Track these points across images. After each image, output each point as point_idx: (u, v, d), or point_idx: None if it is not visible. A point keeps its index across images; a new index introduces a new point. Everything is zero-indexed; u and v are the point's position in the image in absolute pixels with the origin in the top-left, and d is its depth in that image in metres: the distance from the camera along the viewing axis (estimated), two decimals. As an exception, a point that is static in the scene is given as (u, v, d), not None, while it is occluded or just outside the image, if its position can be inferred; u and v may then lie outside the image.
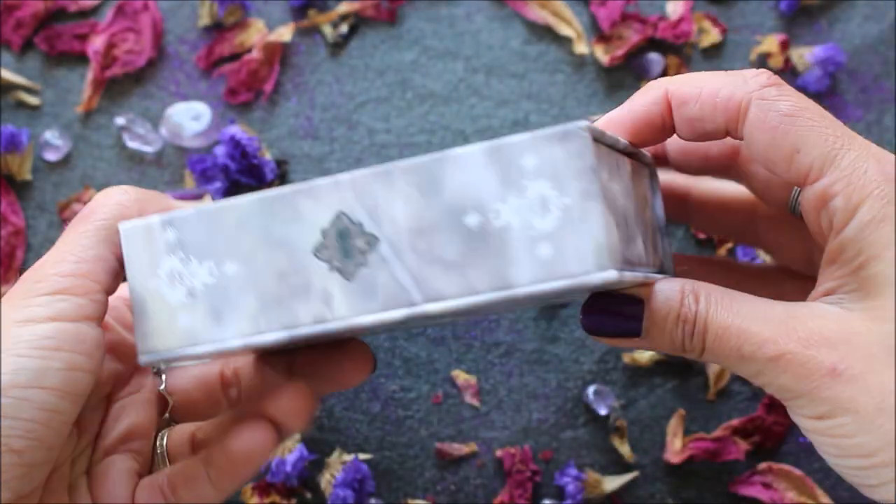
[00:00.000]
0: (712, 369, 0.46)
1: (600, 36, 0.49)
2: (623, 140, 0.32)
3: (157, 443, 0.36)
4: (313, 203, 0.31)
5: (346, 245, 0.30)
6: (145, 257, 0.33)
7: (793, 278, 0.38)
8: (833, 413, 0.29)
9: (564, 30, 0.49)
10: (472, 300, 0.29)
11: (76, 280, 0.31)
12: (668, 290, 0.31)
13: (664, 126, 0.33)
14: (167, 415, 0.36)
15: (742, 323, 0.30)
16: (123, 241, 0.33)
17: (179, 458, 0.36)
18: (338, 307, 0.30)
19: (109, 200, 0.33)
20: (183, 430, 0.36)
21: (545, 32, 0.49)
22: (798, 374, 0.29)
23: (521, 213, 0.29)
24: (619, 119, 0.33)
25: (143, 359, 0.33)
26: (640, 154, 0.34)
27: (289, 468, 0.44)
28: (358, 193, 0.30)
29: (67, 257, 0.32)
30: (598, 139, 0.30)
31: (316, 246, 0.31)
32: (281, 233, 0.31)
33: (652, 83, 0.33)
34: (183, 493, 0.33)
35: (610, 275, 0.28)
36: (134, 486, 0.34)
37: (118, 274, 0.33)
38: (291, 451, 0.45)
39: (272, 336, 0.31)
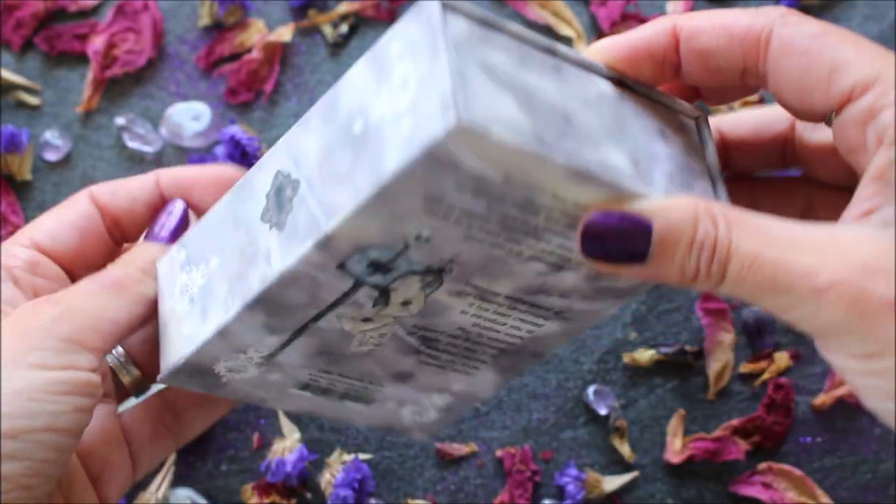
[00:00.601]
0: (712, 369, 0.46)
1: (600, 36, 0.49)
2: (587, 58, 0.30)
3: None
4: (260, 172, 0.32)
5: (281, 199, 0.31)
6: (168, 282, 0.35)
7: (822, 190, 0.34)
8: (886, 351, 0.26)
9: (564, 30, 0.49)
10: (359, 202, 0.27)
11: (94, 336, 0.32)
12: (679, 210, 0.27)
13: (665, 60, 0.30)
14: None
15: (775, 251, 0.26)
16: (159, 277, 0.35)
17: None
18: (274, 260, 0.30)
19: (151, 271, 0.35)
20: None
21: (545, 32, 0.49)
22: (851, 307, 0.26)
23: (391, 101, 0.27)
24: (613, 44, 0.31)
25: (159, 378, 0.34)
26: (654, 93, 0.31)
27: (289, 468, 0.44)
28: (289, 148, 0.31)
29: (89, 310, 0.33)
30: (463, 12, 0.27)
31: (262, 211, 0.31)
32: (242, 212, 0.32)
33: (660, 17, 0.31)
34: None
35: (449, 121, 0.24)
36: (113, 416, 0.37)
37: (130, 330, 0.34)
38: (291, 451, 0.45)
39: (234, 312, 0.31)
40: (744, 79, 0.30)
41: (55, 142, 0.48)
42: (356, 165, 0.28)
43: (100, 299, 0.33)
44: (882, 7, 0.49)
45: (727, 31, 0.29)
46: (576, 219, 0.29)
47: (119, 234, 0.38)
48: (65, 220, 0.36)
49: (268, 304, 0.31)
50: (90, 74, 0.49)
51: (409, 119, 0.26)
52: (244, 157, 0.47)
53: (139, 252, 0.36)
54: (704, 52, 0.30)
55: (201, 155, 0.48)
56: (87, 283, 0.33)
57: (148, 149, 0.48)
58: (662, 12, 0.49)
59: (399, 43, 0.27)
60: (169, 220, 0.37)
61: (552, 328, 0.34)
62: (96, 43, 0.49)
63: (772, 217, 0.28)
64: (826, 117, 0.30)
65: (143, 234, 0.37)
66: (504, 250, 0.30)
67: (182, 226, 0.36)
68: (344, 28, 0.49)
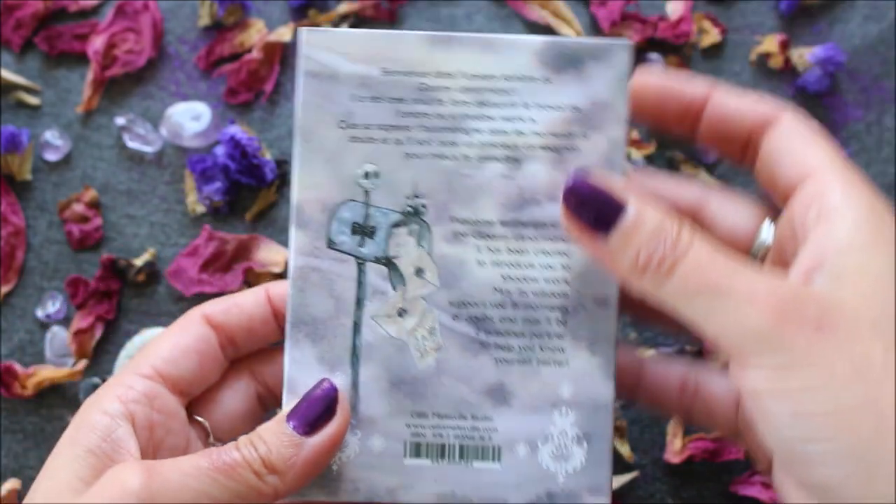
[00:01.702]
0: (712, 369, 0.46)
1: (600, 36, 0.49)
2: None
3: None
4: None
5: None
6: None
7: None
8: (800, 364, 0.27)
9: (564, 30, 0.49)
10: (295, 155, 0.33)
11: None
12: (654, 207, 0.30)
13: (690, 109, 0.34)
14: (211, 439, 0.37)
15: (728, 262, 0.29)
16: None
17: None
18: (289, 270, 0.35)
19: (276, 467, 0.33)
20: None
21: (545, 32, 0.49)
22: (778, 315, 0.27)
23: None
24: (657, 80, 0.34)
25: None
26: None
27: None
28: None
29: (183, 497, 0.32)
30: None
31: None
32: None
33: (702, 79, 0.35)
34: None
35: (300, 35, 0.33)
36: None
37: None
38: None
39: (287, 347, 0.34)
40: (743, 153, 0.34)
41: (55, 142, 0.48)
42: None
43: (200, 481, 0.31)
44: (882, 7, 0.49)
45: (752, 105, 0.33)
46: (479, 93, 0.33)
47: (233, 351, 0.37)
48: (183, 344, 0.35)
49: (303, 325, 0.33)
50: (90, 74, 0.49)
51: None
52: (244, 157, 0.47)
53: (270, 436, 0.33)
54: (725, 116, 0.33)
55: (201, 155, 0.48)
56: (198, 459, 0.32)
57: (148, 149, 0.48)
58: (662, 12, 0.49)
59: None
60: (312, 408, 0.33)
61: (582, 252, 0.33)
62: (96, 43, 0.49)
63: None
64: (754, 246, 0.34)
65: (285, 406, 0.34)
66: (450, 159, 0.33)
67: (326, 415, 0.33)
68: (344, 28, 0.49)
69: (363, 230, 0.33)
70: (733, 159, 0.35)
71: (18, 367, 0.47)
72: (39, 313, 0.48)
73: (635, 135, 0.48)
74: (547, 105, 0.33)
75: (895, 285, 0.28)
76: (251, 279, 0.47)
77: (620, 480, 0.45)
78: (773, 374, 0.27)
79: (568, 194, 0.31)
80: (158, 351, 0.35)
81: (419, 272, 0.33)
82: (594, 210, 0.30)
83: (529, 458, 0.34)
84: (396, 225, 0.33)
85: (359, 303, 0.33)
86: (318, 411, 0.33)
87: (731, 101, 0.33)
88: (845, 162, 0.31)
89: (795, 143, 0.32)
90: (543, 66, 0.33)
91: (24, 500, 0.32)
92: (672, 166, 0.48)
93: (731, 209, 0.36)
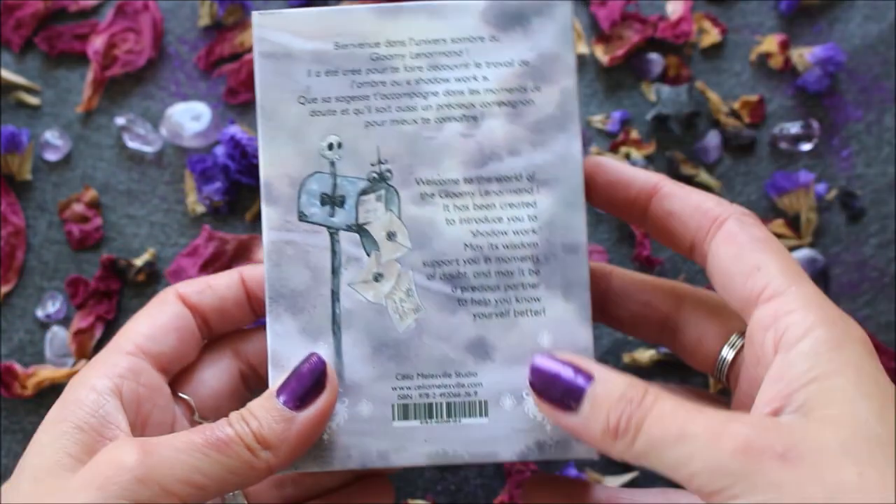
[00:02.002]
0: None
1: (600, 36, 0.49)
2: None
3: None
4: None
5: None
6: None
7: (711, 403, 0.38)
8: (772, 495, 0.27)
9: (564, 30, 0.49)
10: (260, 133, 0.35)
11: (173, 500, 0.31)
12: (616, 375, 0.31)
13: (636, 200, 0.35)
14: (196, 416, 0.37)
15: (690, 410, 0.29)
16: None
17: None
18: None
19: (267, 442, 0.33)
20: None
21: (545, 32, 0.49)
22: (744, 452, 0.27)
23: None
24: (609, 164, 0.36)
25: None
26: None
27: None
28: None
29: (177, 473, 0.31)
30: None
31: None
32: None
33: (652, 172, 0.36)
34: None
35: (254, 20, 0.35)
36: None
37: (222, 493, 0.33)
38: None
39: (269, 322, 0.35)
40: (690, 252, 0.35)
41: (55, 142, 0.48)
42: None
43: (195, 457, 0.31)
44: (882, 7, 0.49)
45: (696, 205, 0.34)
46: (431, 57, 0.34)
47: (207, 331, 0.37)
48: (161, 322, 0.36)
49: (282, 299, 0.34)
50: (90, 74, 0.49)
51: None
52: (244, 157, 0.47)
53: (261, 412, 0.33)
54: (669, 213, 0.35)
55: (201, 155, 0.48)
56: (191, 436, 0.32)
57: (148, 149, 0.48)
58: (662, 12, 0.49)
59: None
60: (301, 383, 0.34)
61: (547, 202, 0.34)
62: (96, 43, 0.49)
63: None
64: (717, 364, 0.36)
65: (272, 384, 0.34)
66: (409, 124, 0.34)
67: (315, 389, 0.33)
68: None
69: (332, 200, 0.34)
70: (681, 254, 0.35)
71: (18, 367, 0.47)
72: (39, 313, 0.48)
73: (635, 135, 0.48)
74: (497, 62, 0.34)
75: (864, 402, 0.28)
76: (251, 279, 0.47)
77: (620, 480, 0.45)
78: None
79: (533, 377, 0.32)
80: (138, 328, 0.36)
81: (391, 236, 0.34)
82: (560, 387, 0.31)
83: (516, 410, 0.34)
84: (364, 192, 0.34)
85: (335, 271, 0.34)
86: (307, 385, 0.33)
87: (675, 201, 0.34)
88: (795, 268, 0.32)
89: (744, 253, 0.32)
90: (489, 26, 0.34)
91: (9, 481, 0.32)
92: (672, 166, 0.48)
93: (699, 319, 0.36)
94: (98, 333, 0.47)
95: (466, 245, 0.34)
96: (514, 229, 0.34)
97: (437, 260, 0.34)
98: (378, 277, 0.34)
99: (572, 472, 0.45)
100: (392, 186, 0.34)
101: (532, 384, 0.32)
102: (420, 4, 0.34)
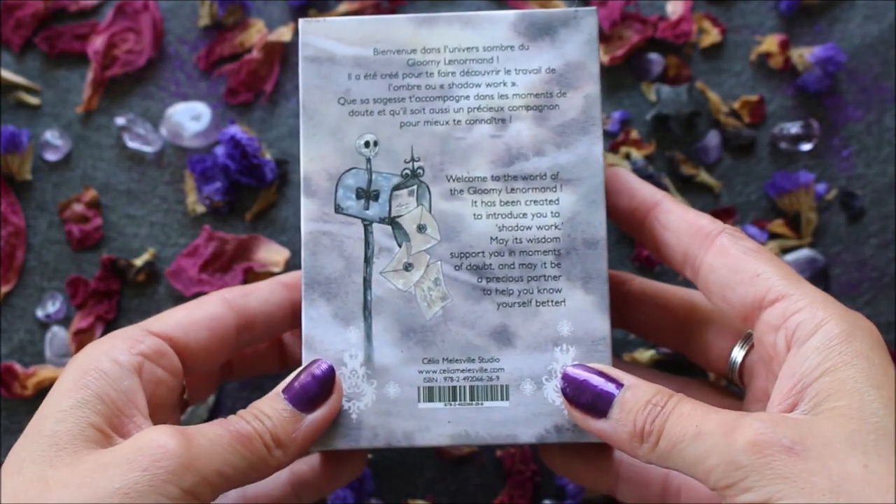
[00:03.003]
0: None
1: (600, 36, 0.49)
2: None
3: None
4: None
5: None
6: None
7: (720, 395, 0.39)
8: (781, 484, 0.28)
9: (564, 30, 0.49)
10: (301, 130, 0.37)
11: (208, 490, 0.32)
12: (646, 383, 0.33)
13: (636, 212, 0.37)
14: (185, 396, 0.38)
15: (707, 409, 0.31)
16: None
17: None
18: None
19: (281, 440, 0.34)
20: None
21: (545, 32, 0.49)
22: (754, 446, 0.29)
23: None
24: (620, 174, 0.38)
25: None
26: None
27: (289, 468, 0.44)
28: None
29: (215, 465, 0.32)
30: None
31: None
32: None
33: (654, 188, 0.37)
34: None
35: (299, 26, 0.39)
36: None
37: (242, 484, 0.33)
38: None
39: (303, 307, 0.36)
40: (682, 264, 0.36)
41: (55, 142, 0.48)
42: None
43: (226, 450, 0.32)
44: (882, 7, 0.49)
45: (690, 221, 0.36)
46: (463, 63, 0.36)
47: (248, 335, 0.38)
48: (197, 316, 0.36)
49: (317, 285, 0.36)
50: (90, 74, 0.49)
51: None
52: (244, 157, 0.47)
53: (272, 412, 0.34)
54: (665, 227, 0.36)
55: (201, 155, 0.48)
56: (217, 428, 0.32)
57: (148, 149, 0.48)
58: (662, 12, 0.49)
59: None
60: (311, 387, 0.35)
61: (570, 200, 0.36)
62: (96, 43, 0.49)
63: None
64: (729, 364, 0.38)
65: (280, 386, 0.35)
66: (441, 125, 0.36)
67: (324, 393, 0.35)
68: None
69: (367, 194, 0.36)
70: (671, 266, 0.37)
71: (18, 367, 0.47)
72: (39, 313, 0.48)
73: (635, 135, 0.48)
74: (526, 69, 0.37)
75: (874, 393, 0.29)
76: (251, 279, 0.47)
77: (620, 480, 0.45)
78: (758, 495, 0.28)
79: (565, 383, 0.34)
80: (172, 316, 0.36)
81: (421, 228, 0.36)
82: (590, 393, 0.33)
83: (535, 395, 0.36)
84: (397, 187, 0.36)
85: (367, 261, 0.36)
86: (317, 389, 0.34)
87: (672, 216, 0.36)
88: (793, 272, 0.33)
89: (740, 263, 0.34)
90: (519, 36, 0.37)
91: (20, 444, 0.31)
92: (672, 166, 0.48)
93: (710, 324, 0.39)
94: (98, 333, 0.47)
95: (492, 238, 0.36)
96: (537, 224, 0.36)
97: (464, 252, 0.36)
98: (408, 267, 0.36)
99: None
100: (424, 182, 0.36)
101: (563, 391, 0.34)
102: (455, 16, 0.37)
